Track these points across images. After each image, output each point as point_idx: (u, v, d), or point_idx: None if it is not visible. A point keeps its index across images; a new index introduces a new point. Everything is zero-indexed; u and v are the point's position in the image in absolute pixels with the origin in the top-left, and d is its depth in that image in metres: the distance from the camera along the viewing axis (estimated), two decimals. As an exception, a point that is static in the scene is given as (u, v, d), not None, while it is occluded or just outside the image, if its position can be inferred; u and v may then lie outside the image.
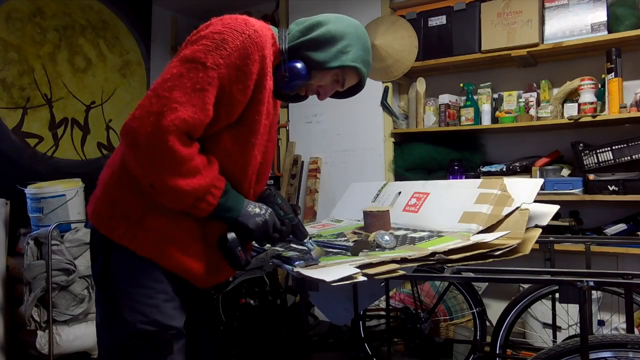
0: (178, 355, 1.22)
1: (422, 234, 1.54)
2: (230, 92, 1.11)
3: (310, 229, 1.92)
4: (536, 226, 1.46)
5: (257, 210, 1.21)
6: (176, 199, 1.12)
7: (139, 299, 1.17)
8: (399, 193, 1.89)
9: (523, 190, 1.51)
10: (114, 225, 1.18)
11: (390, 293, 2.45)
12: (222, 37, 1.10)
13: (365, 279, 1.09)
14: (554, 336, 2.10)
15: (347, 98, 1.42)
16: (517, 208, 1.46)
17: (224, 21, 1.14)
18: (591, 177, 2.47)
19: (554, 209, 1.51)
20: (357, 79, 1.32)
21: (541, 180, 1.57)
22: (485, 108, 2.84)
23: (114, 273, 1.19)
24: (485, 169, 2.77)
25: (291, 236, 1.29)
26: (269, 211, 1.23)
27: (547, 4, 2.65)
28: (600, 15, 2.51)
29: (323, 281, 1.04)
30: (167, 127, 1.04)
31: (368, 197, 2.03)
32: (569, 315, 2.18)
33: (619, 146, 2.43)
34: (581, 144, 2.55)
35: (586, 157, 2.52)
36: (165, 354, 1.18)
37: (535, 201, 1.50)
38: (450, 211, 1.60)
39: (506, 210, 1.47)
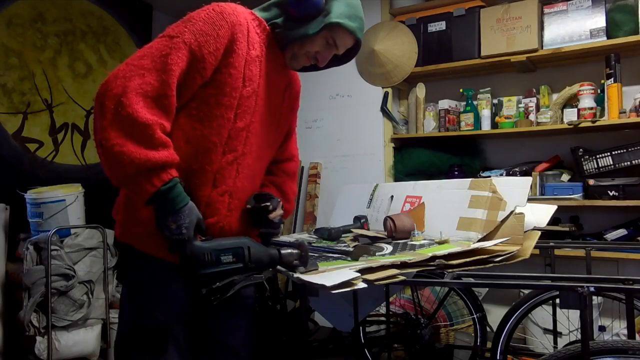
0: (172, 358, 1.23)
1: (423, 241, 1.54)
2: (202, 55, 1.16)
3: (307, 237, 1.92)
4: (535, 229, 1.46)
5: (174, 226, 1.09)
6: (118, 165, 1.05)
7: (140, 299, 1.24)
8: (392, 197, 1.88)
9: (513, 190, 1.50)
10: (120, 226, 1.27)
11: (391, 299, 2.44)
12: (189, 16, 1.20)
13: (365, 285, 1.09)
14: (555, 342, 2.09)
15: (350, 60, 1.44)
16: (511, 212, 1.46)
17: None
18: (591, 182, 2.46)
19: (552, 208, 1.51)
20: (349, 37, 1.29)
21: (530, 179, 1.53)
22: (485, 113, 2.84)
23: (127, 271, 1.29)
24: (485, 174, 2.77)
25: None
26: (186, 234, 1.10)
27: (546, 10, 2.66)
28: (599, 21, 2.51)
29: (323, 286, 1.04)
30: (133, 88, 1.07)
31: (362, 201, 2.03)
32: (569, 320, 2.17)
33: (619, 151, 2.43)
34: (581, 149, 2.55)
35: (586, 162, 2.51)
36: (159, 353, 1.21)
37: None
38: (446, 217, 1.59)
39: (501, 215, 1.46)
